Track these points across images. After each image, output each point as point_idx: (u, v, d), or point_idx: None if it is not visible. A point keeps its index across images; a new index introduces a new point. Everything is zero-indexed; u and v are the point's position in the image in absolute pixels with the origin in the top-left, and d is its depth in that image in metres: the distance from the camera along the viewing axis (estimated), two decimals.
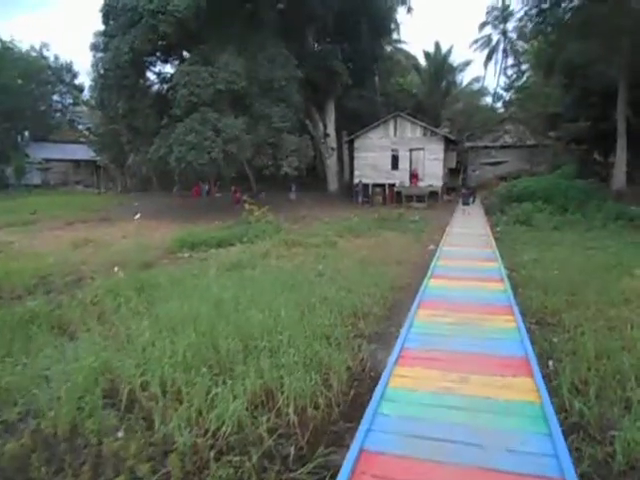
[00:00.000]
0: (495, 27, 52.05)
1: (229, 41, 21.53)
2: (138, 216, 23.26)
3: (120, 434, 4.41)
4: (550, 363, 6.08)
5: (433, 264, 10.73)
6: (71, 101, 54.32)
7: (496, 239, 14.82)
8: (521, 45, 48.74)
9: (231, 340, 6.12)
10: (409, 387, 4.65)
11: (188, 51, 23.98)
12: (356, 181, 29.38)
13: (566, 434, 3.96)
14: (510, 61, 49.95)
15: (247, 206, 18.74)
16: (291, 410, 4.54)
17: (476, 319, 6.89)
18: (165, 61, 27.08)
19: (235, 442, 4.14)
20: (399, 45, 47.39)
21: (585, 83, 26.05)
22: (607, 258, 12.01)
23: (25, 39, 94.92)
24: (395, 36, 44.30)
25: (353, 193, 29.45)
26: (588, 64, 19.86)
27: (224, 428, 4.21)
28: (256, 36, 22.59)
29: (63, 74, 52.35)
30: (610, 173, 29.75)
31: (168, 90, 23.61)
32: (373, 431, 3.84)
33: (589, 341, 6.10)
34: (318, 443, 4.24)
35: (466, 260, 11.56)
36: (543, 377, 4.94)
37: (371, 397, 4.57)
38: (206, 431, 4.25)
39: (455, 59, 44.80)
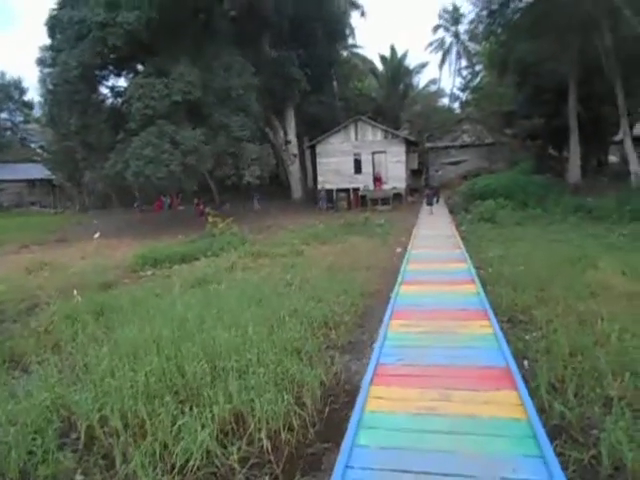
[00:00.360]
0: (447, 30, 53.15)
1: (183, 51, 21.06)
2: (97, 235, 22.44)
3: (78, 478, 4.05)
4: (525, 363, 6.00)
5: (403, 268, 10.58)
6: (21, 119, 52.33)
7: (462, 238, 14.88)
8: (473, 47, 49.95)
9: (197, 363, 5.80)
10: (387, 410, 4.35)
11: (141, 63, 23.36)
12: (319, 187, 29.23)
13: (550, 437, 3.83)
14: (464, 63, 51.06)
15: (210, 218, 18.32)
16: (263, 435, 4.27)
17: (451, 327, 6.71)
18: (118, 74, 26.31)
19: (204, 477, 3.85)
20: (355, 50, 47.77)
21: (537, 81, 26.72)
22: (571, 250, 12.19)
23: None
24: (351, 41, 44.73)
25: (317, 199, 29.29)
26: (539, 62, 20.37)
27: (192, 462, 3.91)
28: (210, 45, 22.19)
29: (11, 91, 50.42)
30: (565, 167, 30.63)
31: (122, 104, 22.92)
32: (352, 468, 3.50)
33: (562, 338, 6.05)
34: (294, 469, 3.99)
35: (435, 263, 11.46)
36: (527, 387, 4.73)
37: (348, 420, 4.31)
38: (172, 467, 3.94)
39: (411, 62, 45.59)
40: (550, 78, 24.61)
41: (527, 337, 6.91)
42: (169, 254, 15.34)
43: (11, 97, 50.65)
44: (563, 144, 31.83)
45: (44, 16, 22.62)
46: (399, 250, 14.33)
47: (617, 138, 36.73)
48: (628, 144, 19.98)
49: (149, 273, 13.74)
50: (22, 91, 50.24)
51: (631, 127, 36.93)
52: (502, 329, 6.72)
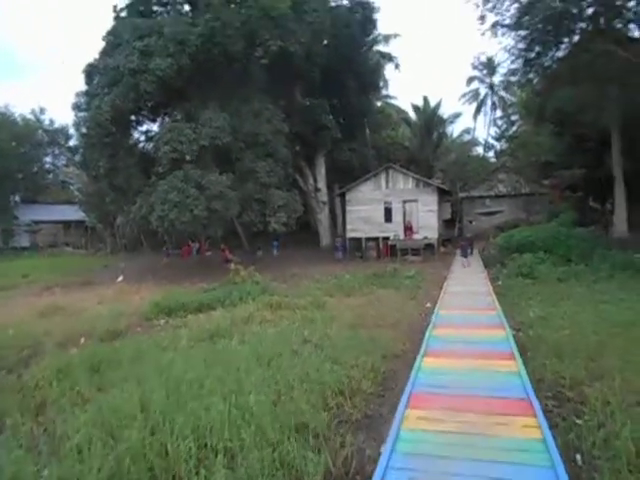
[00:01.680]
0: (482, 81, 53.21)
1: (213, 97, 21.23)
2: (120, 278, 22.20)
3: None
4: (578, 457, 4.92)
5: (427, 334, 9.29)
6: (64, 162, 54.39)
7: (498, 294, 13.74)
8: (508, 98, 49.66)
9: (182, 440, 4.95)
10: None
11: (173, 108, 23.75)
12: (342, 236, 28.38)
13: None
14: (499, 113, 50.63)
15: (233, 266, 17.74)
16: None
17: (484, 424, 5.26)
18: (153, 120, 26.91)
19: None
20: (389, 100, 48.20)
21: (577, 130, 25.77)
22: (622, 313, 10.90)
23: (21, 104, 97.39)
24: (384, 92, 45.17)
25: (334, 248, 28.54)
26: (579, 111, 19.52)
27: None
28: (241, 91, 22.32)
29: (58, 136, 52.63)
30: (609, 220, 29.10)
31: (153, 148, 23.15)
32: None
33: (624, 429, 4.95)
34: None
35: (466, 328, 9.98)
36: None
37: None
38: None
39: (445, 111, 45.19)
40: (591, 127, 23.64)
41: (578, 420, 5.84)
42: (185, 302, 14.74)
43: (57, 142, 52.81)
44: (605, 196, 30.44)
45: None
46: (428, 305, 13.32)
47: None
48: None
49: (162, 322, 13.12)
50: (67, 137, 52.29)
51: None
52: (544, 408, 5.68)
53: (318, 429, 5.48)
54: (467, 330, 9.66)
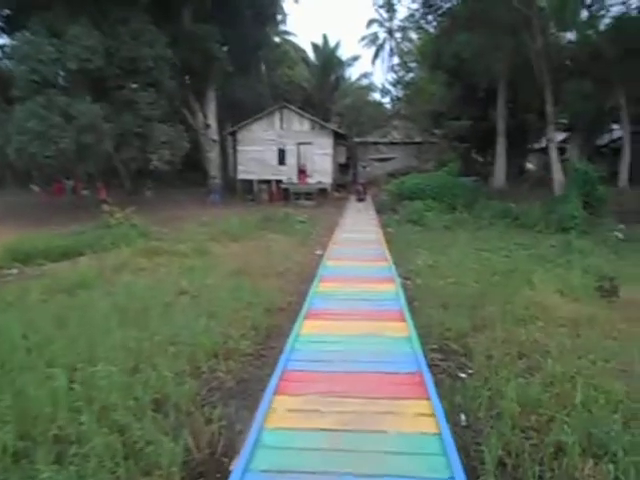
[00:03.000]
0: (382, 25, 52.47)
1: (83, 11, 18.06)
2: None
3: None
4: (462, 418, 4.64)
5: (312, 291, 8.32)
6: None
7: (389, 242, 13.63)
8: (406, 45, 49.64)
9: None
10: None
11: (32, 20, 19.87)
12: (214, 177, 26.70)
13: None
14: (396, 60, 50.60)
15: (107, 207, 15.83)
16: None
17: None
18: (9, 33, 22.45)
19: None
20: (287, 37, 45.91)
21: (468, 81, 26.30)
22: (502, 261, 11.25)
23: None
24: (283, 27, 42.86)
25: (210, 192, 26.68)
26: (472, 59, 19.59)
27: None
28: (118, 7, 19.24)
29: None
30: (489, 172, 30.71)
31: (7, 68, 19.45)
32: None
33: (508, 387, 4.75)
34: None
35: (355, 281, 9.01)
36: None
37: None
38: None
39: (343, 53, 44.13)
40: (481, 78, 24.13)
41: (463, 375, 5.63)
42: (48, 247, 12.84)
43: None
44: (488, 148, 31.95)
45: None
46: (319, 252, 12.84)
47: (533, 146, 37.89)
48: (553, 151, 19.75)
49: (15, 272, 11.23)
50: None
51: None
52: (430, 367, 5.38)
53: (182, 403, 4.66)
54: (355, 284, 8.78)
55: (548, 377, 5.15)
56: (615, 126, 33.90)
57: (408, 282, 9.69)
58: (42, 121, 16.33)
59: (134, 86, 19.12)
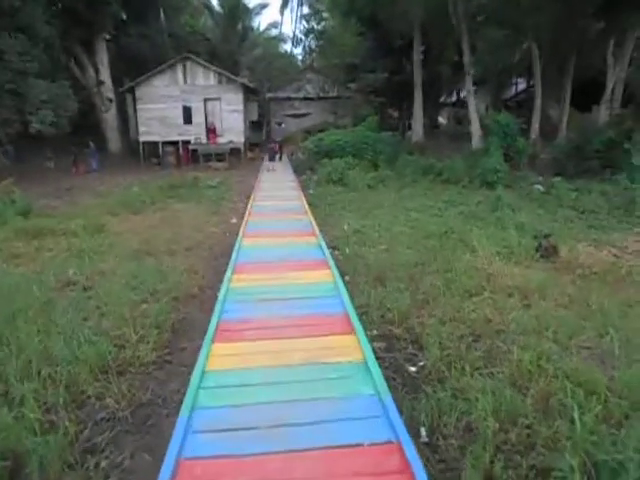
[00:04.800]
0: None
1: None
2: None
3: None
4: (423, 433, 3.72)
5: (224, 289, 6.22)
6: None
7: (310, 205, 12.50)
8: None
9: None
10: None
11: None
12: (91, 145, 23.32)
13: None
14: (306, 10, 48.25)
15: None
16: None
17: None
18: None
19: None
20: None
21: (381, 32, 25.24)
22: (432, 222, 10.55)
23: None
24: None
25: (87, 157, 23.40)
26: (389, 2, 18.43)
27: None
28: None
29: None
30: (405, 126, 30.28)
31: None
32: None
33: (477, 393, 3.89)
34: None
35: (279, 265, 7.12)
36: None
37: None
38: None
39: (250, 0, 40.87)
40: (395, 29, 23.16)
41: (413, 369, 4.75)
42: None
43: None
44: (403, 102, 31.40)
45: None
46: (234, 221, 11.50)
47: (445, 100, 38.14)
48: (471, 104, 19.36)
49: None
50: None
51: (458, 92, 38.51)
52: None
53: (50, 461, 3.33)
54: (279, 269, 6.87)
55: (514, 368, 4.38)
56: (519, 80, 34.90)
57: (336, 252, 8.69)
58: None
59: None
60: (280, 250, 7.87)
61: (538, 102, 19.81)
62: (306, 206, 11.55)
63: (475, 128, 18.96)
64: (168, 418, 3.99)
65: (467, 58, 18.78)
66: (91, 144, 22.86)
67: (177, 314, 6.08)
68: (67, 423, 3.81)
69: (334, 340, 4.57)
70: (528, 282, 6.65)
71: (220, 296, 5.67)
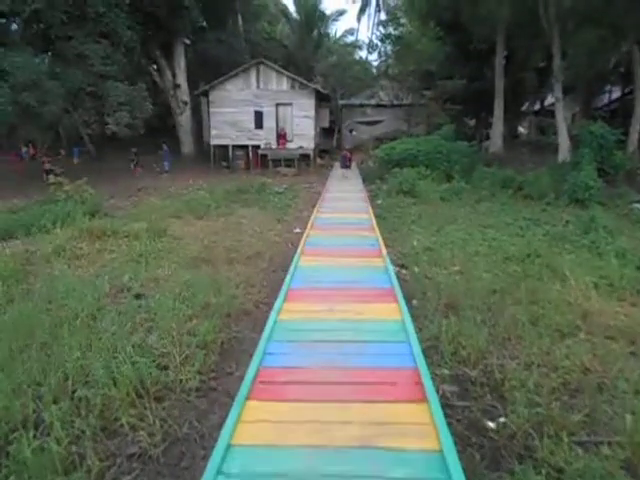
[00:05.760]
0: None
1: None
2: None
3: None
4: None
5: (286, 285, 6.22)
6: None
7: (378, 217, 11.75)
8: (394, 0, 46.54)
9: None
10: None
11: None
12: (164, 147, 23.51)
13: None
14: (383, 16, 47.55)
15: (53, 177, 13.66)
16: None
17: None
18: None
19: None
20: None
21: (462, 36, 24.01)
22: (514, 242, 9.48)
23: None
24: None
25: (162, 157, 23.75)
26: (472, 3, 17.30)
27: None
28: None
29: None
30: (482, 135, 28.71)
31: None
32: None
33: None
34: None
35: (341, 287, 6.27)
36: None
37: None
38: None
39: (327, 7, 40.96)
40: (476, 33, 21.89)
41: (491, 426, 3.95)
42: None
43: None
44: (481, 110, 29.85)
45: None
46: (298, 230, 10.99)
47: (527, 108, 35.84)
48: (559, 112, 17.78)
49: None
50: None
51: (542, 100, 36.20)
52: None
53: None
54: (338, 297, 5.82)
55: (626, 444, 3.46)
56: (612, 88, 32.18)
57: (403, 271, 7.92)
58: None
59: (83, 37, 16.32)
60: (341, 274, 6.89)
61: (639, 111, 17.89)
62: (373, 221, 10.73)
63: (563, 139, 17.38)
64: (204, 461, 3.46)
65: (557, 63, 17.25)
66: (164, 146, 23.37)
67: (227, 333, 5.62)
68: (93, 458, 3.42)
69: (399, 410, 3.46)
70: (634, 323, 5.58)
71: (265, 333, 4.79)
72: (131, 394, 4.17)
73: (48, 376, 4.38)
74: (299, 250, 8.08)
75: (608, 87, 31.96)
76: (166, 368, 4.69)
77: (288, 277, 6.54)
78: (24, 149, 27.68)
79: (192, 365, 4.71)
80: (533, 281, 7.00)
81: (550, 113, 35.15)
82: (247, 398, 3.58)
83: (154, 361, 4.73)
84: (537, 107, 37.58)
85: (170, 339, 5.16)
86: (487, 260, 8.24)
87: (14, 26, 18.07)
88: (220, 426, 3.69)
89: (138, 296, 6.75)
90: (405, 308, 5.39)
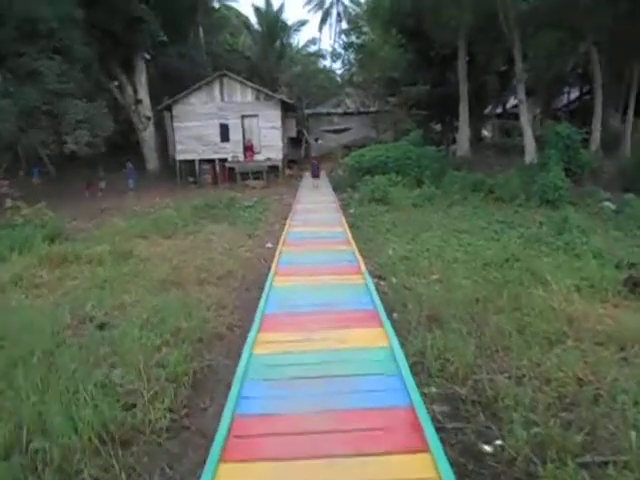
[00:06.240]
0: None
1: None
2: None
3: None
4: None
5: (260, 312, 5.80)
6: None
7: (352, 226, 11.53)
8: (354, 9, 46.87)
9: None
10: None
11: None
12: (128, 165, 22.97)
13: None
14: (344, 25, 47.82)
15: (9, 201, 12.96)
16: None
17: None
18: None
19: None
20: (228, 2, 42.35)
21: (424, 42, 24.18)
22: (489, 247, 9.36)
23: None
24: None
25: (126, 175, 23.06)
26: (433, 10, 17.37)
27: None
28: None
29: None
30: (448, 140, 28.93)
31: None
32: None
33: None
34: None
35: (319, 310, 5.88)
36: None
37: None
38: None
39: (289, 18, 40.97)
40: (438, 39, 22.04)
41: (488, 449, 3.71)
42: None
43: None
44: (446, 115, 30.09)
45: None
46: (269, 245, 10.65)
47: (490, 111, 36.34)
48: (524, 114, 17.98)
49: None
50: None
51: (504, 103, 36.83)
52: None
53: None
54: (317, 323, 5.41)
55: (634, 465, 3.23)
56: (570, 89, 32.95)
57: (382, 283, 7.67)
58: None
59: (36, 53, 15.56)
60: (319, 294, 6.41)
61: (599, 110, 18.26)
62: (348, 233, 10.41)
63: (529, 141, 17.56)
64: None
65: (519, 66, 17.46)
66: (128, 163, 22.70)
67: (200, 361, 5.24)
68: None
69: (396, 464, 3.01)
70: (621, 327, 5.45)
71: (239, 371, 4.31)
72: (94, 441, 3.76)
73: None
74: (272, 270, 7.67)
75: (567, 88, 32.70)
76: (133, 407, 4.29)
77: (262, 301, 6.13)
78: None
79: (162, 402, 4.33)
80: (514, 287, 6.85)
81: (513, 115, 35.82)
82: (220, 460, 3.09)
83: (119, 400, 4.34)
84: (499, 110, 38.26)
85: (137, 373, 4.76)
86: (466, 267, 8.08)
87: None
88: (194, 473, 3.35)
89: (102, 326, 6.32)
90: (392, 332, 5.01)
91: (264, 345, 4.87)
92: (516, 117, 32.77)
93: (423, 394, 4.18)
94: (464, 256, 8.79)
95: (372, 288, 6.47)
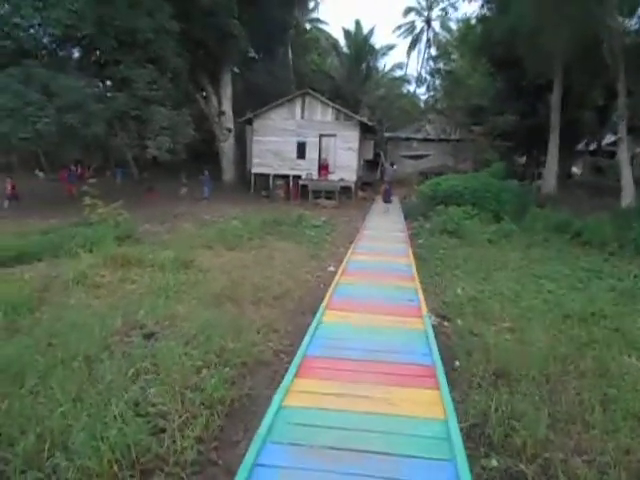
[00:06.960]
0: (419, 14, 49.45)
1: None
2: None
3: None
4: None
5: (300, 355, 5.13)
6: None
7: (419, 258, 10.88)
8: (444, 35, 46.38)
9: None
10: None
11: None
12: (205, 173, 23.35)
13: None
14: (433, 52, 47.46)
15: (87, 199, 13.50)
16: None
17: None
18: None
19: None
20: (319, 25, 43.40)
21: (514, 73, 23.17)
22: (572, 297, 8.37)
23: None
24: (315, 14, 40.54)
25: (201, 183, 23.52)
26: (527, 37, 16.44)
27: None
28: None
29: None
30: (532, 174, 27.42)
31: None
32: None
33: None
34: None
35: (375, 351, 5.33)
36: None
37: None
38: None
39: (377, 42, 41.23)
40: (531, 69, 20.97)
41: None
42: None
43: None
44: (533, 148, 28.65)
45: None
46: (332, 269, 10.22)
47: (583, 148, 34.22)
48: (623, 152, 16.50)
49: None
50: None
51: (599, 139, 34.48)
52: None
53: None
54: (364, 377, 4.68)
55: None
56: None
57: (445, 324, 7.00)
58: (16, 97, 13.94)
59: (131, 62, 16.45)
60: (371, 338, 5.73)
61: None
62: (413, 268, 9.73)
63: (627, 182, 16.06)
64: None
65: (622, 101, 16.08)
66: (205, 172, 23.33)
67: (239, 388, 4.86)
68: None
69: None
70: None
71: (261, 428, 3.67)
72: (113, 466, 3.47)
73: (26, 434, 3.76)
74: (324, 302, 7.17)
75: None
76: (162, 432, 3.97)
77: (306, 339, 5.60)
78: (74, 168, 28.31)
79: (192, 430, 3.98)
80: (600, 348, 5.94)
81: (607, 153, 33.50)
82: None
83: (149, 422, 4.04)
84: (593, 146, 35.95)
85: (172, 394, 4.46)
86: (543, 317, 7.21)
87: (75, 53, 18.87)
88: None
89: (149, 336, 6.14)
90: (449, 399, 4.23)
91: (297, 395, 4.29)
92: (611, 155, 30.58)
93: (481, 469, 3.56)
94: (542, 305, 7.89)
95: (432, 337, 5.75)
